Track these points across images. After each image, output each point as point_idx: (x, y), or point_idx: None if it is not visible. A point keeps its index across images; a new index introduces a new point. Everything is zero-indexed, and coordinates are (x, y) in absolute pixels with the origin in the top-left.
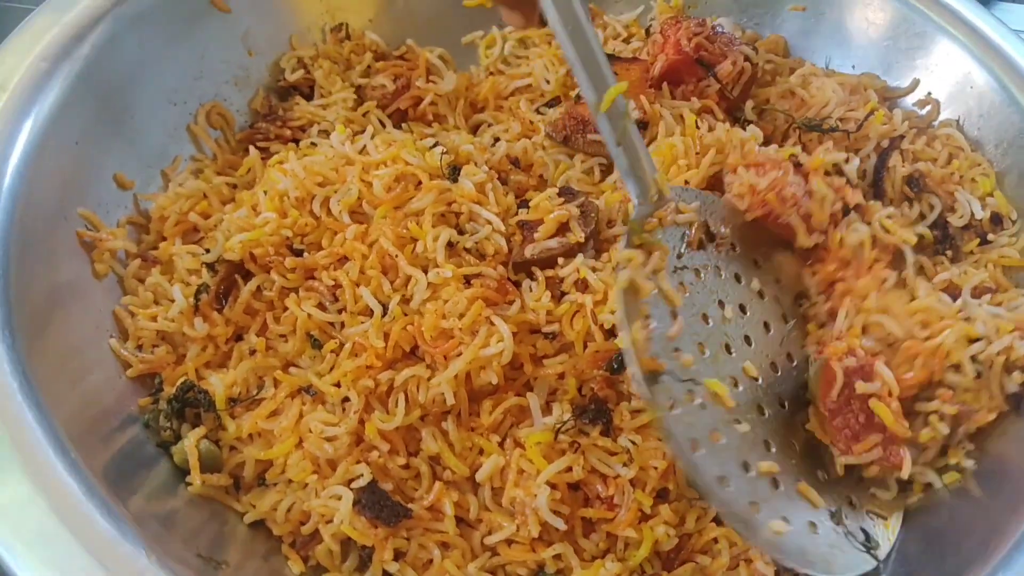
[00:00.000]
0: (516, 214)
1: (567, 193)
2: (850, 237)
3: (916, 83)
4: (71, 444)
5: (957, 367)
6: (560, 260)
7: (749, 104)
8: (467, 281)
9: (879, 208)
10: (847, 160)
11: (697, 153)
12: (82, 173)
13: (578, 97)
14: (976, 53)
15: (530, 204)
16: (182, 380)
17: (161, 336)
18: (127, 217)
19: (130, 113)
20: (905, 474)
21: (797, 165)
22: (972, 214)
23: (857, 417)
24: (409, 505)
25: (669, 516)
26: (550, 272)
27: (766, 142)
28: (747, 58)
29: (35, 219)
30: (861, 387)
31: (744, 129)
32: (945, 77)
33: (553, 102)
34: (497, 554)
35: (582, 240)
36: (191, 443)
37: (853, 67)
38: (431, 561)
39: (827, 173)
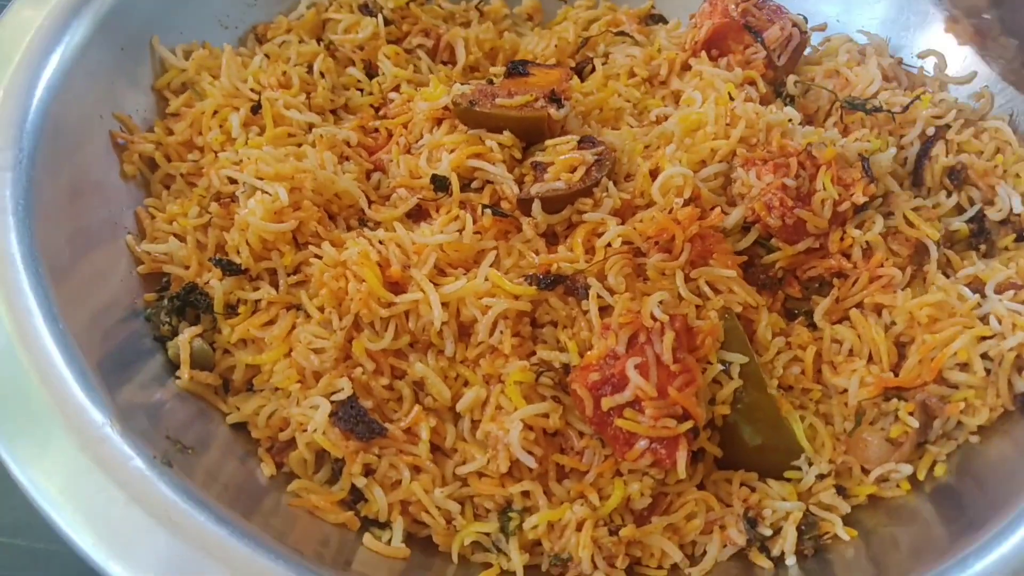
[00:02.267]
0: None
1: (587, 141)
2: (857, 236)
3: (973, 75)
4: (67, 322)
5: (965, 365)
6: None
7: (792, 79)
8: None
9: (907, 199)
10: (883, 148)
11: (728, 124)
12: (123, 79)
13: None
14: None
15: (547, 146)
16: (187, 282)
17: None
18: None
19: (179, 30)
20: (681, 472)
21: (811, 157)
22: (1011, 209)
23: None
24: (386, 424)
25: (644, 463)
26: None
27: (808, 121)
28: (795, 24)
29: (70, 112)
30: (607, 402)
31: (786, 105)
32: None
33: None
34: (467, 485)
35: (588, 185)
36: (185, 339)
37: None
38: (400, 482)
39: (862, 156)
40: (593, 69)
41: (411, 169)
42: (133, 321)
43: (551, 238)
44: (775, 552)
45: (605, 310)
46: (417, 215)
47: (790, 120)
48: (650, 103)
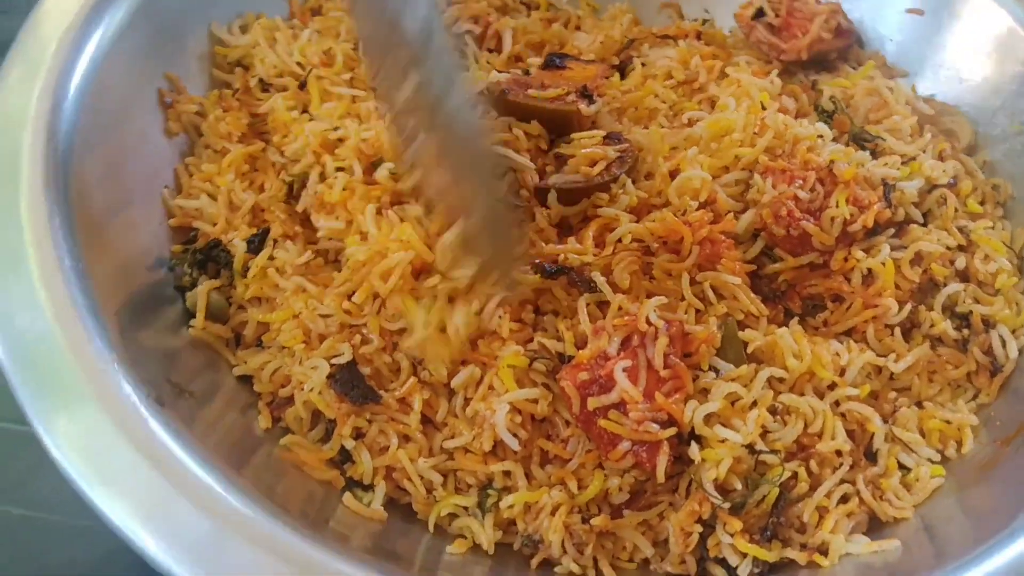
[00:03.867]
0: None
1: (613, 138)
2: (860, 259)
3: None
4: (92, 267)
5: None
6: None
7: (828, 95)
8: None
9: (923, 234)
10: (910, 178)
11: (755, 133)
12: (176, 41)
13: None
14: None
15: (572, 139)
16: (212, 238)
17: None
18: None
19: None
20: (660, 477)
21: (832, 174)
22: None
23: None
24: (381, 392)
25: (626, 464)
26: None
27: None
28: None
29: (118, 68)
30: (593, 403)
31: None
32: None
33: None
34: (452, 459)
35: (606, 180)
36: (203, 290)
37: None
38: (387, 448)
39: (885, 183)
40: (633, 68)
41: None
42: (158, 271)
43: (566, 230)
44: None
45: (606, 305)
46: None
47: (820, 136)
48: (686, 105)
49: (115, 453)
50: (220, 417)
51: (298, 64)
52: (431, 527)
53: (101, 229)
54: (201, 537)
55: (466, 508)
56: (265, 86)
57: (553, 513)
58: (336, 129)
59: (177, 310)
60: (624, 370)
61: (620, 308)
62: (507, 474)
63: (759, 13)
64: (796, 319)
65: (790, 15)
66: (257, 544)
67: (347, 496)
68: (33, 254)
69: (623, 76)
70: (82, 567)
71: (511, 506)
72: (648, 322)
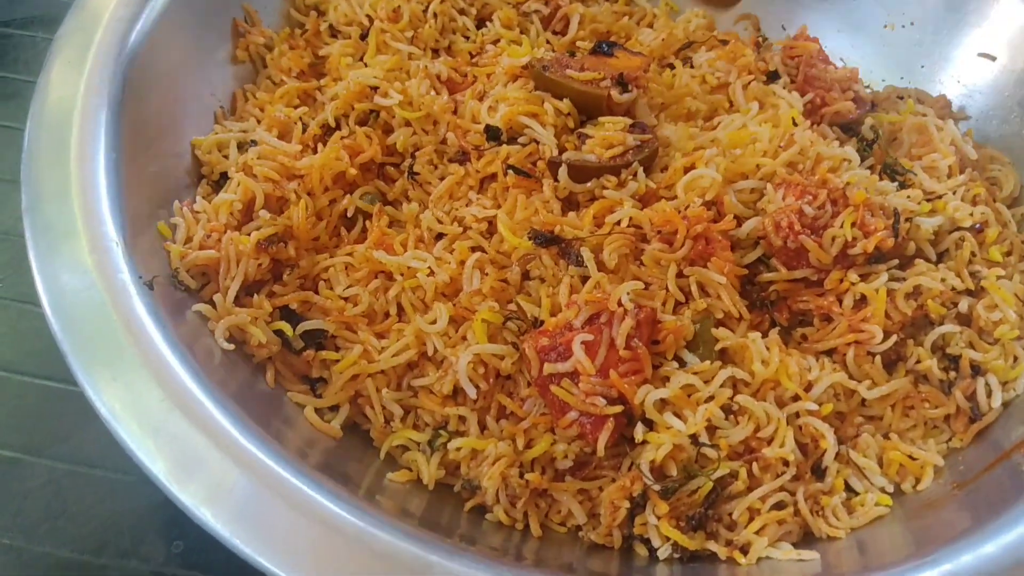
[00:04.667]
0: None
1: (638, 127)
2: (855, 282)
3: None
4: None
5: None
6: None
7: (869, 124)
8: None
9: (927, 270)
10: (929, 214)
11: (781, 146)
12: None
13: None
14: None
15: (599, 121)
16: None
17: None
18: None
19: None
20: (600, 451)
21: (844, 196)
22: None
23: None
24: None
25: (571, 433)
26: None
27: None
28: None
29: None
30: (548, 368)
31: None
32: None
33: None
34: (416, 396)
35: (618, 164)
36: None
37: None
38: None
39: (908, 219)
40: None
41: (474, 113)
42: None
43: (571, 206)
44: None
45: (588, 280)
46: (461, 158)
47: (846, 160)
48: (721, 112)
49: (157, 412)
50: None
51: (367, 16)
52: (382, 455)
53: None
54: (236, 491)
55: (418, 444)
56: (334, 32)
57: (495, 463)
58: (375, 81)
59: None
60: (583, 343)
61: (598, 285)
62: (462, 419)
63: (773, 76)
64: (777, 330)
65: (807, 83)
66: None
67: (308, 410)
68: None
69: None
70: (126, 518)
71: (458, 449)
72: (619, 303)
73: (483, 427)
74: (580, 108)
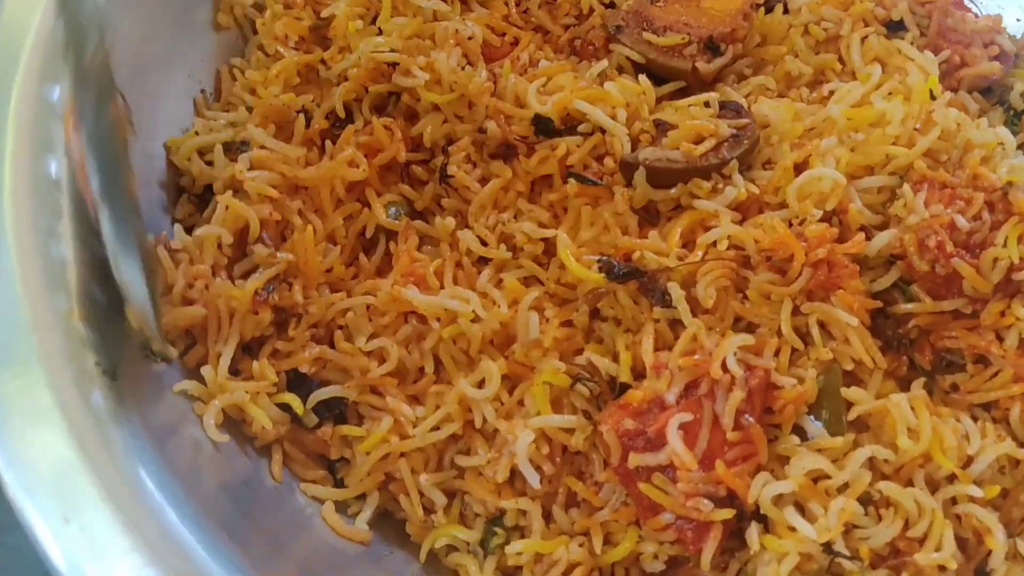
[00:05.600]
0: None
1: (732, 108)
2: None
3: None
4: None
5: None
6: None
7: (1020, 88)
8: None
9: None
10: None
11: (916, 129)
12: None
13: None
14: None
15: (676, 105)
16: None
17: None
18: None
19: None
20: (705, 565)
21: (1006, 199)
22: None
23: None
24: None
25: (666, 538)
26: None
27: None
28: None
29: None
30: (635, 459)
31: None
32: None
33: None
34: (462, 478)
35: (712, 163)
36: None
37: None
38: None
39: None
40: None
41: (518, 93)
42: None
43: (651, 218)
44: None
45: (681, 327)
46: (506, 153)
47: (1000, 144)
48: (830, 74)
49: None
50: None
51: None
52: (423, 556)
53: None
54: None
55: (468, 543)
56: None
57: (569, 572)
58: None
59: None
60: (680, 427)
61: (694, 339)
62: (522, 513)
63: (897, 26)
64: (922, 380)
65: (941, 35)
66: None
67: (327, 510)
68: None
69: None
70: None
71: (520, 553)
72: (724, 368)
73: (548, 518)
74: (658, 82)
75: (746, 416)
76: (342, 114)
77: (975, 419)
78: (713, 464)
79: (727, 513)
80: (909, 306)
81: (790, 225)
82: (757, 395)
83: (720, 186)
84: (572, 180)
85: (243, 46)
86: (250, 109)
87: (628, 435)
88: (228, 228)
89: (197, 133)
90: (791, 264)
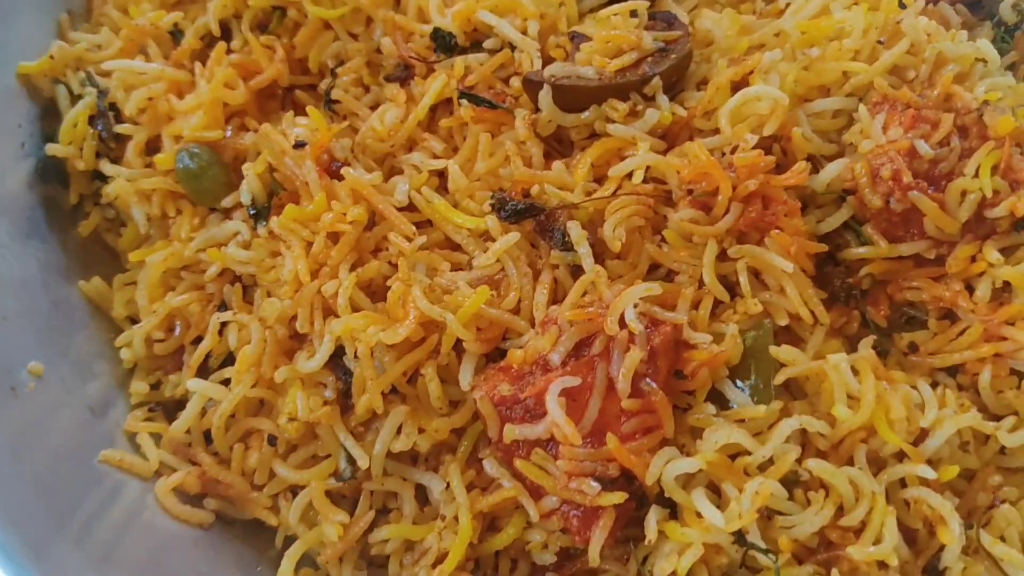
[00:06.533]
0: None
1: (663, 19)
2: (995, 262)
3: None
4: None
5: None
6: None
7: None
8: None
9: None
10: None
11: (880, 42)
12: None
13: None
14: None
15: (598, 17)
16: None
17: None
18: None
19: None
20: (593, 559)
21: (980, 122)
22: None
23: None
24: None
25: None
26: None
27: None
28: None
29: None
30: (510, 432)
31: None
32: None
33: None
34: None
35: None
36: None
37: None
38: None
39: None
40: None
41: (420, 6)
42: None
43: (562, 148)
44: None
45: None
46: (403, 75)
47: (981, 61)
48: None
49: None
50: None
51: None
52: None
53: None
54: None
55: None
56: None
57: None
58: None
59: None
60: (564, 393)
61: (592, 288)
62: (392, 495)
63: None
64: (871, 339)
65: None
66: None
67: None
68: None
69: None
70: None
71: (385, 540)
72: (621, 323)
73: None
74: None
75: (647, 380)
76: (217, 32)
77: (935, 385)
78: (604, 438)
79: (618, 497)
80: (861, 250)
81: (723, 155)
82: (663, 355)
83: (640, 108)
84: (464, 101)
85: None
86: (117, 32)
87: (504, 403)
88: None
89: (52, 57)
90: (717, 198)
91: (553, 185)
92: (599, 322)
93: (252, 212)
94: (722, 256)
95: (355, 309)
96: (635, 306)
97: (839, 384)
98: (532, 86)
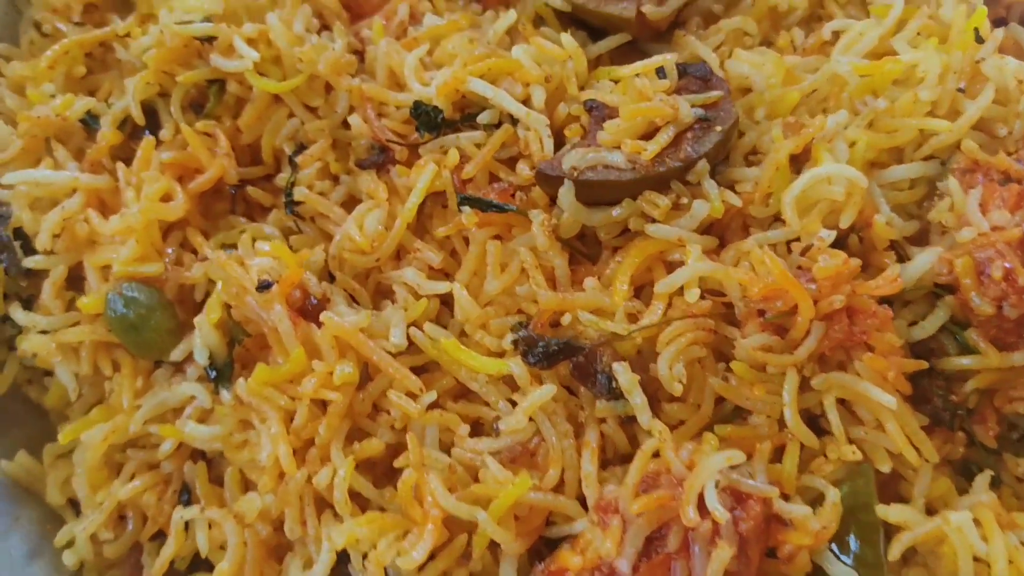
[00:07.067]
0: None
1: (696, 74)
2: None
3: None
4: None
5: None
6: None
7: None
8: None
9: None
10: None
11: (960, 90)
12: None
13: None
14: None
15: (617, 74)
16: None
17: None
18: None
19: None
20: None
21: None
22: None
23: None
24: None
25: None
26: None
27: None
28: None
29: None
30: None
31: None
32: None
33: None
34: None
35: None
36: None
37: None
38: None
39: None
40: None
41: (394, 68)
42: None
43: (587, 249)
44: None
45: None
46: (378, 160)
47: None
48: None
49: None
50: None
51: None
52: None
53: None
54: None
55: None
56: None
57: None
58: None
59: None
60: None
61: (656, 456)
62: None
63: None
64: (988, 474)
65: None
66: None
67: None
68: None
69: None
70: None
71: None
72: (699, 506)
73: None
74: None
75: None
76: (141, 120)
77: None
78: None
79: None
80: (966, 361)
81: (788, 252)
82: (754, 542)
83: (685, 200)
84: (466, 208)
85: (13, 25)
86: (15, 124)
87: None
88: None
89: None
90: (795, 319)
91: (587, 312)
92: (672, 507)
93: (212, 375)
94: (803, 387)
95: (354, 496)
96: (715, 483)
97: (964, 547)
98: (549, 180)
